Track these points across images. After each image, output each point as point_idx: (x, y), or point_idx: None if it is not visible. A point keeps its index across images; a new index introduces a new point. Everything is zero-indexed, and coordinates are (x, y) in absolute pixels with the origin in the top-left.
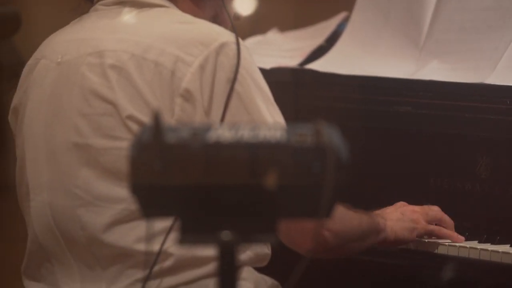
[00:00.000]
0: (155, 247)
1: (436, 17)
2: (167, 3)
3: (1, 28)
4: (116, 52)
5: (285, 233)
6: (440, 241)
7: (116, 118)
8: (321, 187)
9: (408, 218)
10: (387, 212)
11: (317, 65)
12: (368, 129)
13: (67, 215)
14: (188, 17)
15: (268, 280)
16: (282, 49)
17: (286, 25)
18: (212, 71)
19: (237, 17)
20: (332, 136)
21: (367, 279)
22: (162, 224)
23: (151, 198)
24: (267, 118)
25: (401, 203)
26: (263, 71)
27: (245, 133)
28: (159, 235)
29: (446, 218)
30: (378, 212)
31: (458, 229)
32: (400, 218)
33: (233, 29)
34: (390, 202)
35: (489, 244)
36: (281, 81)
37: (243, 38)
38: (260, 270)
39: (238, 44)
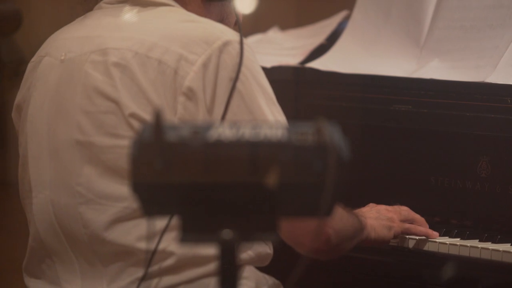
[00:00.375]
0: (156, 245)
1: (436, 15)
2: (173, 2)
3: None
4: (120, 50)
5: (289, 233)
6: (439, 240)
7: (119, 116)
8: (322, 186)
9: (384, 216)
10: (363, 211)
11: (318, 64)
12: (369, 128)
13: (69, 213)
14: (192, 15)
15: (269, 279)
16: (283, 47)
17: (287, 24)
18: (214, 70)
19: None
20: (333, 134)
21: (369, 278)
22: (164, 222)
23: (151, 196)
24: (269, 117)
25: (372, 204)
26: (264, 69)
27: (246, 132)
28: (160, 234)
29: (417, 216)
30: (355, 211)
31: (459, 228)
32: (377, 216)
33: (239, 31)
34: (391, 201)
35: (489, 243)
36: (282, 80)
37: (244, 36)
38: (261, 269)
39: (241, 43)
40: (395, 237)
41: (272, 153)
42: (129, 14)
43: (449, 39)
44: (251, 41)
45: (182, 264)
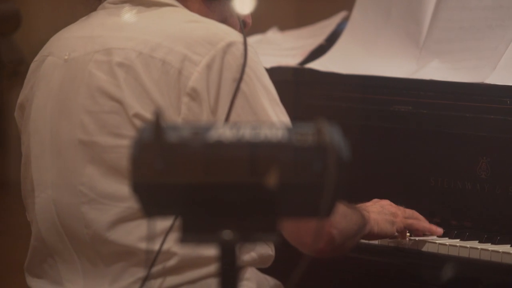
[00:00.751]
0: (158, 246)
1: (436, 16)
2: (176, 3)
3: (2, 26)
4: (124, 50)
5: (292, 234)
6: (438, 241)
7: (123, 116)
8: (322, 186)
9: (388, 211)
10: (367, 205)
11: (317, 64)
12: (369, 128)
13: (71, 212)
14: (196, 16)
15: (271, 280)
16: (282, 48)
17: (286, 24)
18: (218, 71)
19: (245, 24)
20: (333, 135)
21: (370, 279)
22: (166, 223)
23: (152, 197)
24: (273, 118)
25: (376, 199)
26: None
27: (246, 132)
28: (162, 234)
29: (420, 216)
30: (358, 205)
31: (458, 229)
32: (380, 211)
33: (241, 32)
34: (391, 202)
35: (489, 244)
36: (282, 80)
37: None
38: (262, 270)
39: (245, 44)
40: (397, 232)
41: (272, 153)
42: (133, 14)
43: (449, 39)
44: (250, 41)
45: (184, 265)
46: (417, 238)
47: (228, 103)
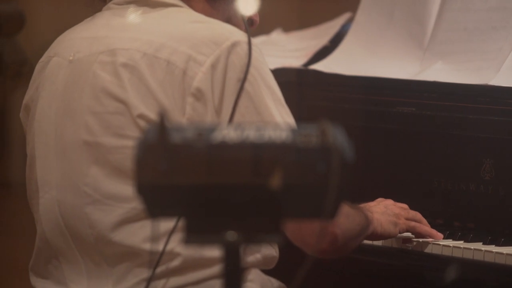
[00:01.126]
0: (162, 247)
1: (440, 17)
2: (181, 3)
3: (5, 27)
4: (128, 50)
5: (296, 234)
6: (442, 242)
7: (127, 117)
8: (326, 187)
9: (391, 212)
10: (371, 205)
11: (321, 66)
12: (372, 130)
13: (76, 213)
14: (201, 16)
15: (275, 282)
16: (286, 49)
17: (290, 26)
18: (223, 71)
19: (250, 22)
20: (336, 136)
21: (373, 281)
22: (169, 224)
23: (156, 198)
24: (277, 118)
25: (380, 198)
26: None
27: (250, 134)
28: (166, 234)
29: (424, 221)
30: (362, 206)
31: (462, 230)
32: (384, 211)
33: (246, 32)
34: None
35: (493, 245)
36: (286, 82)
37: None
38: (266, 271)
39: (250, 44)
40: (400, 233)
41: (276, 154)
42: (138, 15)
43: (453, 41)
44: (255, 42)
45: (188, 266)
46: (420, 240)
47: (233, 103)
